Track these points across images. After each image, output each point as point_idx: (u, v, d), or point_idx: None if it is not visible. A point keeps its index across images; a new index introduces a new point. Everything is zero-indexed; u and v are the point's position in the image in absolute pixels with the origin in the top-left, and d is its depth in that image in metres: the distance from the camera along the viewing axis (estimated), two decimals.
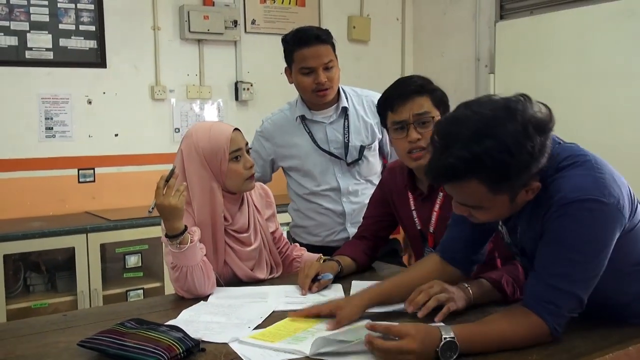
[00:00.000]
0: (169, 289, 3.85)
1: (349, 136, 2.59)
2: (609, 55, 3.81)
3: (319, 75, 2.48)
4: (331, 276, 2.01)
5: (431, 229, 2.04)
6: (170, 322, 1.65)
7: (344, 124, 2.60)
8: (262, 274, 2.14)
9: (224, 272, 2.09)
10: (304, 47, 2.47)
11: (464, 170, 1.40)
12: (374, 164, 2.66)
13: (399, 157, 2.08)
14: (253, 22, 4.57)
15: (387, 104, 2.00)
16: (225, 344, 1.53)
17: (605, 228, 1.43)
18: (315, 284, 1.97)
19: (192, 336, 1.51)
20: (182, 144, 2.09)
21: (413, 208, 2.11)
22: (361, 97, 2.67)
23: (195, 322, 1.69)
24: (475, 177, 1.40)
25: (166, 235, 1.89)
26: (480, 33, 4.73)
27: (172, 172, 1.86)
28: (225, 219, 2.06)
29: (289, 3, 4.72)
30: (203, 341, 1.53)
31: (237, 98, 4.53)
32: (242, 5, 4.52)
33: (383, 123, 2.08)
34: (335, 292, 1.98)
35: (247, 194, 2.16)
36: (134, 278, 3.88)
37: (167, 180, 1.85)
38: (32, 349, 1.53)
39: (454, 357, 1.38)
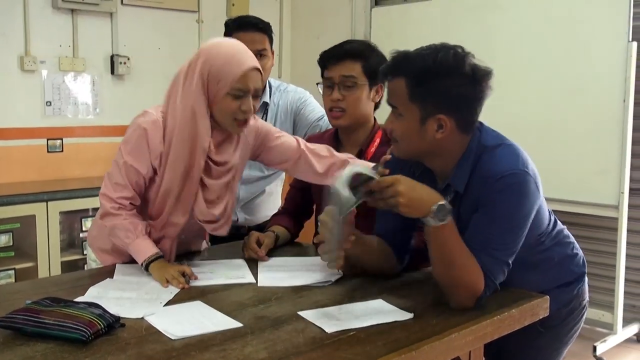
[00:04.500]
0: (43, 270, 3.71)
1: None
2: (474, 46, 4.07)
3: None
4: None
5: None
6: (79, 299, 1.64)
7: (262, 118, 2.59)
8: (217, 211, 2.01)
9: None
10: (241, 31, 2.56)
11: (399, 65, 1.67)
12: None
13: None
14: None
15: (322, 61, 2.17)
16: (142, 318, 1.55)
17: (531, 198, 1.63)
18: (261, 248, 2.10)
19: None
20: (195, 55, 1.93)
21: None
22: (287, 94, 2.72)
23: (104, 298, 1.68)
24: (404, 76, 1.64)
25: None
26: (356, 17, 4.90)
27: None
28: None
29: None
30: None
31: (112, 72, 4.38)
32: None
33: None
34: (240, 266, 2.03)
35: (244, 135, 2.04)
36: (5, 258, 3.70)
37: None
38: None
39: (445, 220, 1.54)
